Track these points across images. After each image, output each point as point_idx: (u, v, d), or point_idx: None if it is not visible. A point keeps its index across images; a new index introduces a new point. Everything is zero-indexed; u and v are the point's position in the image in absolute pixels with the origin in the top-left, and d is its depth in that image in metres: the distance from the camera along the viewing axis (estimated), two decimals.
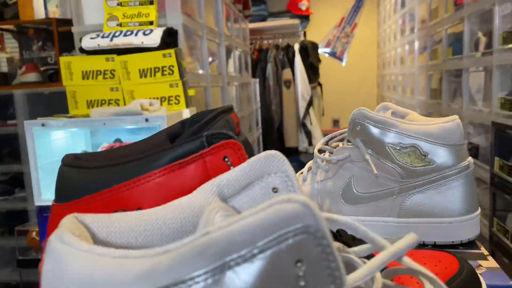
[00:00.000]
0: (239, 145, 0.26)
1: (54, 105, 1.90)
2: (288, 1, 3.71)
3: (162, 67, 1.29)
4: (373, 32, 4.15)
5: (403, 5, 2.82)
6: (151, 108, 1.16)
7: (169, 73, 1.29)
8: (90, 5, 1.41)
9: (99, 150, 1.23)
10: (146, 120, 1.12)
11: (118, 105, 1.33)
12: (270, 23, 3.58)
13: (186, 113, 1.30)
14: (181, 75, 1.29)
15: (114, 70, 1.32)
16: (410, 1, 2.55)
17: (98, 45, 1.29)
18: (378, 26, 4.04)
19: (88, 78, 1.33)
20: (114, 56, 1.30)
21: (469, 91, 1.61)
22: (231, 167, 0.27)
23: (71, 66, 1.33)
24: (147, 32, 1.29)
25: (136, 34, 1.28)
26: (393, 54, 3.28)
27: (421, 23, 2.28)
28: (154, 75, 1.29)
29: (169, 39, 1.31)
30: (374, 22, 4.12)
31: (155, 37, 1.27)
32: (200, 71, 1.61)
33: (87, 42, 1.30)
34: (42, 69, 2.21)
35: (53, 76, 2.19)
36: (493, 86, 1.37)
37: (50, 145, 1.23)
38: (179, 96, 1.31)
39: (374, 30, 4.14)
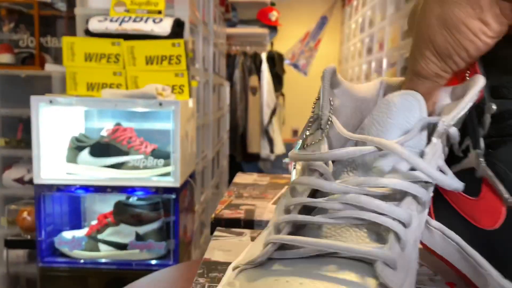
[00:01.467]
0: (475, 63, 0.31)
1: (29, 89, 1.84)
2: (258, 10, 3.81)
3: (170, 56, 1.31)
4: (335, 49, 4.35)
5: (370, 25, 3.00)
6: (164, 93, 1.18)
7: (176, 63, 1.31)
8: None
9: (102, 132, 1.23)
10: (160, 104, 1.14)
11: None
12: (240, 29, 3.65)
13: (190, 103, 1.33)
14: (187, 65, 1.32)
15: (119, 55, 1.32)
16: (379, 22, 2.73)
17: (106, 28, 1.30)
18: (341, 44, 4.25)
19: (91, 60, 1.32)
20: (121, 40, 1.30)
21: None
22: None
23: (74, 47, 1.32)
24: (157, 20, 1.31)
25: (146, 21, 1.30)
26: (356, 70, 3.47)
27: (391, 41, 2.45)
28: (161, 63, 1.31)
29: (178, 29, 1.34)
30: (337, 39, 4.33)
31: (165, 26, 1.29)
32: (197, 66, 1.64)
33: (95, 25, 1.30)
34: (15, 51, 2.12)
35: (27, 59, 2.11)
36: None
37: (50, 124, 1.21)
38: (183, 85, 1.33)
39: (336, 47, 4.35)
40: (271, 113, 3.69)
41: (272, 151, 3.70)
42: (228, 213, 0.54)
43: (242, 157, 3.62)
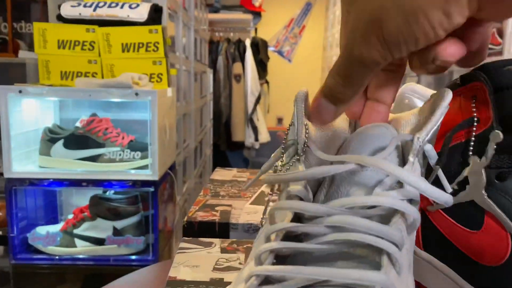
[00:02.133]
0: (484, 87, 0.29)
1: (2, 77, 1.76)
2: None
3: (147, 43, 1.26)
4: (320, 36, 4.31)
5: None
6: (141, 82, 1.13)
7: (153, 50, 1.26)
8: None
9: (77, 124, 1.17)
10: (136, 94, 1.09)
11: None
12: (223, 15, 3.58)
13: (169, 92, 1.28)
14: (166, 53, 1.27)
15: (93, 42, 1.26)
16: None
17: (80, 14, 1.23)
18: (326, 30, 4.20)
19: (64, 48, 1.26)
20: (96, 27, 1.24)
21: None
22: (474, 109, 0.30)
23: (46, 33, 1.26)
24: (134, 5, 1.25)
25: (121, 7, 1.24)
26: None
27: None
28: (138, 51, 1.26)
29: (155, 15, 1.28)
30: (321, 26, 4.28)
31: (142, 12, 1.24)
32: (177, 53, 1.58)
33: (67, 10, 1.24)
34: None
35: None
36: None
37: (21, 115, 1.15)
38: (161, 74, 1.29)
39: (321, 33, 4.31)
40: (255, 101, 3.64)
41: (256, 139, 3.66)
42: (202, 215, 0.51)
43: (226, 146, 3.58)
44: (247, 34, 3.75)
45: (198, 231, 0.48)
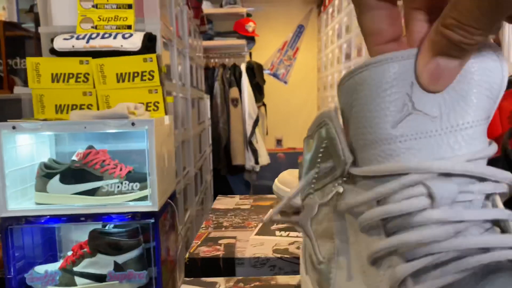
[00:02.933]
0: None
1: None
2: (234, 22, 3.77)
3: (142, 72, 1.24)
4: (313, 57, 4.33)
5: (347, 30, 2.99)
6: (137, 112, 1.11)
7: (149, 79, 1.25)
8: (60, 6, 1.34)
9: (73, 157, 1.15)
10: (133, 124, 1.07)
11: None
12: (217, 42, 3.61)
13: (167, 120, 1.26)
14: (161, 81, 1.26)
15: (88, 74, 1.25)
16: (356, 27, 2.71)
17: (73, 46, 1.23)
18: (319, 51, 4.23)
19: (58, 81, 1.25)
20: (89, 59, 1.23)
21: None
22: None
23: (39, 67, 1.24)
24: (127, 35, 1.24)
25: (115, 37, 1.23)
26: (336, 77, 3.44)
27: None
28: (133, 80, 1.25)
29: (149, 44, 1.27)
30: (315, 47, 4.31)
31: (135, 41, 1.23)
32: (173, 81, 1.57)
33: (60, 43, 1.23)
34: None
35: None
36: None
37: (16, 151, 1.13)
38: (158, 102, 1.27)
39: (314, 55, 4.33)
40: (253, 124, 3.63)
41: (257, 162, 3.63)
42: (204, 251, 0.48)
43: (227, 170, 3.55)
44: (242, 58, 3.77)
45: (202, 268, 0.45)
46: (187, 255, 0.47)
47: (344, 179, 0.28)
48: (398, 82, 0.23)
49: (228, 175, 3.61)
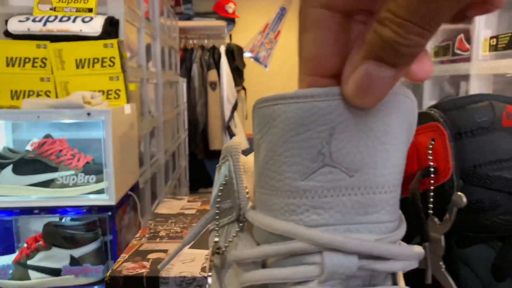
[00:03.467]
0: (443, 131, 0.24)
1: None
2: (214, 3, 3.67)
3: (102, 58, 1.19)
4: (295, 40, 4.27)
5: None
6: (93, 101, 1.06)
7: (109, 65, 1.20)
8: None
9: (27, 147, 1.10)
10: (88, 114, 1.02)
11: (49, 97, 1.20)
12: (196, 22, 3.53)
13: (128, 108, 1.21)
14: (123, 67, 1.21)
15: (45, 59, 1.19)
16: None
17: (28, 29, 1.16)
18: None
19: (13, 66, 1.18)
20: (47, 43, 1.17)
21: None
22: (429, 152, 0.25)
23: None
24: (87, 19, 1.18)
25: (74, 21, 1.17)
26: None
27: None
28: (93, 67, 1.19)
29: (110, 28, 1.21)
30: (296, 30, 4.24)
31: (95, 26, 1.17)
32: (140, 66, 1.51)
33: (15, 25, 1.16)
34: None
35: None
36: (424, 96, 1.47)
37: None
38: (119, 90, 1.22)
39: (296, 38, 4.27)
40: (232, 108, 3.58)
41: None
42: (128, 268, 0.45)
43: (204, 155, 3.51)
44: (222, 40, 3.69)
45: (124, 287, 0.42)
46: (108, 273, 0.44)
47: (241, 224, 0.25)
48: (316, 126, 0.19)
49: (206, 160, 3.57)
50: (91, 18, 1.18)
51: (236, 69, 3.71)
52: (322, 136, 0.19)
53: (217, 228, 0.27)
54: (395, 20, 0.15)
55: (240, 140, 0.28)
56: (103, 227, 1.13)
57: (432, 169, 0.24)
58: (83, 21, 1.18)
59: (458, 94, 1.44)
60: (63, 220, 1.13)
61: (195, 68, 3.44)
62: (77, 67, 1.19)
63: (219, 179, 0.29)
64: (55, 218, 1.13)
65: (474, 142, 0.24)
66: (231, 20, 3.76)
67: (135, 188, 1.27)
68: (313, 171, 0.19)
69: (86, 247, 1.09)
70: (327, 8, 0.18)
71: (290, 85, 4.29)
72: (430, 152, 0.24)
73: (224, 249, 0.25)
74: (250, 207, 0.24)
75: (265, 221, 0.21)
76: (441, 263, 0.23)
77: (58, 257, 1.07)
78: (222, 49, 3.53)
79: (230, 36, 3.93)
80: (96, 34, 1.17)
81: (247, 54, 4.06)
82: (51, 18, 1.18)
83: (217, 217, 0.26)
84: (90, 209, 1.05)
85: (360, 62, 0.17)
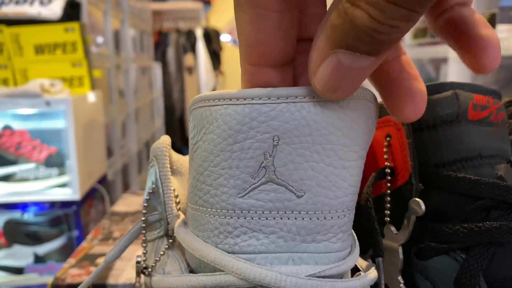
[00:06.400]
0: (399, 125, 0.20)
1: None
2: None
3: (64, 43, 1.12)
4: None
5: None
6: (53, 89, 1.00)
7: (71, 51, 1.13)
8: None
9: None
10: (47, 103, 0.96)
11: (7, 85, 1.13)
12: (170, 4, 3.43)
13: (92, 97, 1.15)
14: (86, 53, 1.14)
15: (2, 44, 1.11)
16: None
17: None
18: None
19: None
20: (3, 27, 1.09)
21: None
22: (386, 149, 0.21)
23: None
24: (45, 1, 1.11)
25: (31, 3, 1.10)
26: None
27: None
28: (54, 52, 1.12)
29: (72, 11, 1.14)
30: None
31: (55, 8, 1.10)
32: (93, 49, 1.45)
33: None
34: None
35: None
36: None
37: None
38: (83, 77, 1.15)
39: None
40: None
41: None
42: (73, 275, 0.40)
43: (181, 142, 3.45)
44: (198, 23, 3.60)
45: None
46: (51, 281, 0.40)
47: (170, 240, 0.22)
48: (256, 134, 0.16)
49: (184, 147, 3.51)
50: (50, 0, 1.11)
51: (214, 53, 3.63)
52: (265, 147, 0.16)
53: (144, 244, 0.23)
54: (374, 1, 0.12)
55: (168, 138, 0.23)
56: (69, 222, 1.08)
57: (388, 170, 0.20)
58: (41, 3, 1.10)
59: (438, 78, 1.42)
60: (25, 216, 1.07)
61: (170, 52, 3.35)
62: (37, 52, 1.12)
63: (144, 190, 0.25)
64: (17, 214, 1.07)
65: (436, 137, 0.20)
66: (206, 3, 3.67)
67: (103, 180, 1.22)
68: (254, 187, 0.16)
69: (50, 243, 1.04)
70: None
71: None
72: (386, 150, 0.21)
73: (150, 269, 0.21)
74: (181, 221, 0.20)
75: (193, 245, 0.18)
76: (399, 277, 0.20)
77: (21, 255, 1.02)
78: (199, 32, 3.45)
79: (207, 18, 3.84)
80: (56, 18, 1.10)
81: (225, 37, 3.98)
82: (7, 1, 1.10)
83: (143, 231, 0.23)
84: (53, 204, 0.99)
85: (328, 51, 0.14)
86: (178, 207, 0.22)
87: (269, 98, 0.15)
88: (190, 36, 3.44)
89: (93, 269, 0.42)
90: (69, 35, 1.12)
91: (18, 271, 1.02)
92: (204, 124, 0.17)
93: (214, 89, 3.55)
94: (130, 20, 1.78)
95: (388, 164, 0.20)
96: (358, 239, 0.21)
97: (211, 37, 3.60)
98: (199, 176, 0.18)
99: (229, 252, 0.17)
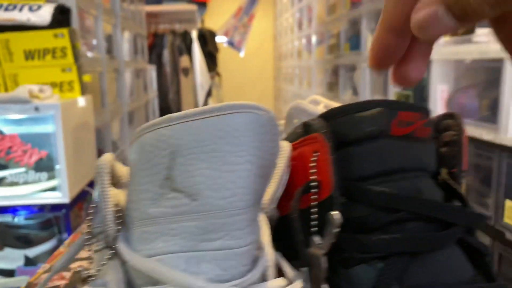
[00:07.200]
0: (323, 142, 0.22)
1: None
2: None
3: (53, 48, 1.14)
4: (269, 24, 4.22)
5: None
6: (42, 95, 1.01)
7: (61, 56, 1.14)
8: None
9: None
10: (36, 109, 0.98)
11: None
12: (166, 6, 3.44)
13: (82, 101, 1.17)
14: (76, 58, 1.16)
15: None
16: None
17: None
18: (275, 19, 4.12)
19: None
20: None
21: (367, 85, 1.71)
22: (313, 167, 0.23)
23: None
24: (34, 7, 1.12)
25: (20, 9, 1.11)
26: (289, 47, 3.37)
27: (318, 18, 2.36)
28: (43, 58, 1.14)
29: (61, 17, 1.16)
30: (270, 14, 4.19)
31: (44, 14, 1.11)
32: (89, 54, 1.46)
33: None
34: None
35: None
36: (389, 81, 1.46)
37: None
38: (72, 82, 1.17)
39: (270, 22, 4.22)
40: (206, 95, 3.54)
41: None
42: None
43: None
44: (194, 25, 3.62)
45: None
46: (23, 287, 0.41)
47: (112, 251, 0.23)
48: (159, 151, 0.19)
49: None
50: (39, 7, 1.13)
51: (209, 54, 3.65)
52: (166, 161, 0.19)
53: (91, 254, 0.24)
54: None
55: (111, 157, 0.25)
56: (59, 225, 1.09)
57: (314, 184, 0.22)
58: (30, 9, 1.12)
59: (428, 78, 1.44)
60: (16, 219, 1.09)
61: (166, 54, 3.37)
62: (27, 58, 1.14)
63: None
64: (7, 218, 1.09)
65: (360, 152, 0.22)
66: (202, 4, 3.68)
67: (93, 183, 1.23)
68: (162, 197, 0.19)
69: (41, 246, 1.06)
70: None
71: (266, 69, 4.25)
72: (313, 165, 0.22)
73: (93, 278, 0.23)
74: (121, 234, 0.22)
75: (126, 255, 0.20)
76: (324, 285, 0.21)
77: (11, 257, 1.04)
78: (194, 34, 3.46)
79: (203, 20, 3.85)
80: (45, 24, 1.12)
81: (221, 38, 3.99)
82: None
83: (87, 242, 0.24)
84: (43, 207, 1.01)
85: (434, 2, 0.18)
86: (119, 220, 0.23)
87: (168, 122, 0.19)
88: (185, 37, 3.45)
89: (65, 274, 0.43)
90: (59, 41, 1.13)
91: (9, 273, 1.04)
92: (131, 152, 0.21)
93: (210, 90, 3.56)
94: (124, 23, 1.80)
95: (315, 178, 0.22)
96: (289, 247, 0.22)
97: (207, 38, 3.61)
98: (128, 192, 0.21)
99: (148, 256, 0.19)
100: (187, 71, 3.43)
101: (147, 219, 0.19)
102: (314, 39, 2.43)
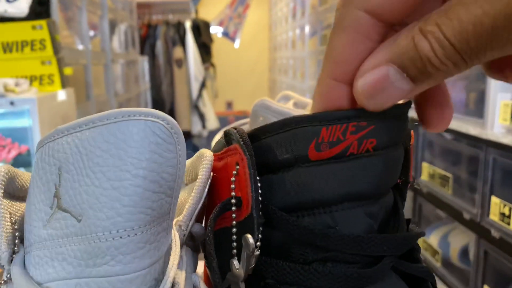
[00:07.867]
0: (242, 155, 0.19)
1: None
2: None
3: (32, 41, 1.11)
4: (264, 15, 4.17)
5: None
6: (18, 89, 0.98)
7: (40, 48, 1.12)
8: None
9: None
10: (11, 103, 0.95)
11: None
12: None
13: (62, 95, 1.14)
14: (56, 50, 1.13)
15: None
16: None
17: None
18: (270, 9, 4.07)
19: None
20: None
21: None
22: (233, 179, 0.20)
23: None
24: None
25: None
26: (284, 37, 3.33)
27: (311, 8, 2.32)
28: (22, 50, 1.11)
29: (40, 8, 1.13)
30: (266, 4, 4.14)
31: (21, 5, 1.08)
32: (80, 47, 1.43)
33: None
34: None
35: None
36: None
37: None
38: (53, 75, 1.14)
39: (265, 12, 4.17)
40: (200, 86, 3.50)
41: (204, 126, 3.54)
42: None
43: None
44: (189, 15, 3.57)
45: None
46: None
47: (7, 275, 0.21)
48: (50, 168, 0.17)
49: None
50: None
51: (203, 45, 3.60)
52: (54, 178, 0.17)
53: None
54: (440, 38, 0.14)
55: None
56: None
57: (234, 201, 0.19)
58: (7, 0, 1.09)
59: None
60: None
61: (159, 45, 3.33)
62: (5, 51, 1.11)
63: None
64: None
65: (277, 182, 0.19)
66: None
67: None
68: (51, 217, 0.17)
69: None
70: (373, 15, 0.16)
71: (261, 60, 4.21)
72: (234, 179, 0.20)
73: None
74: (17, 256, 0.20)
75: (14, 281, 0.18)
76: None
77: None
78: (188, 25, 3.42)
79: (196, 11, 3.80)
80: (23, 15, 1.09)
81: (215, 29, 3.94)
82: None
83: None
84: None
85: (383, 62, 0.16)
86: (16, 241, 0.21)
87: (58, 134, 0.17)
88: (179, 28, 3.41)
89: None
90: (37, 33, 1.10)
91: None
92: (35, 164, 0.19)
93: (204, 82, 3.53)
94: (114, 14, 1.76)
95: (235, 194, 0.19)
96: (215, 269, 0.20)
97: (201, 29, 3.57)
98: (25, 217, 0.19)
99: (39, 283, 0.17)
100: (181, 62, 3.39)
101: (39, 242, 0.17)
102: (307, 29, 2.40)
